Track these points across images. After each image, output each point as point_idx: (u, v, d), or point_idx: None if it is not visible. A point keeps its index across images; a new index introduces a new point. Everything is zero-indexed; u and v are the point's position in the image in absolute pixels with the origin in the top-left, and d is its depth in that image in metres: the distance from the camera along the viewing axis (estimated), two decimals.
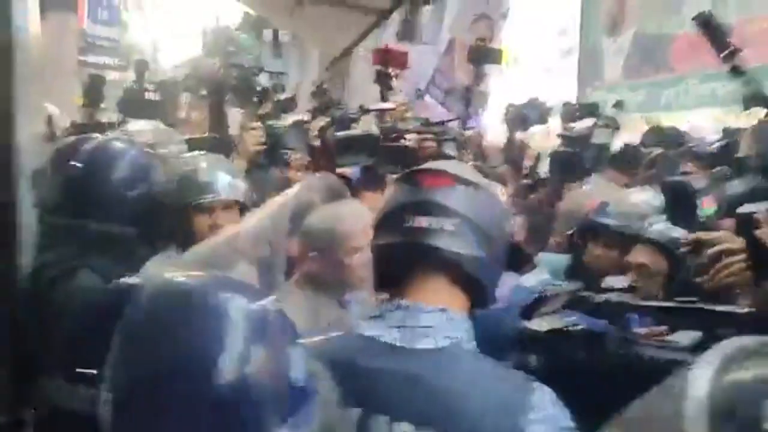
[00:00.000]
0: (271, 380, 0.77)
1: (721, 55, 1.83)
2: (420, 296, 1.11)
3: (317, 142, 2.81)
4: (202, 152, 2.11)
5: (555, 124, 4.39)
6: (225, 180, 1.93)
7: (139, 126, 2.41)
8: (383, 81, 3.23)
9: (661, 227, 1.69)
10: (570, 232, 2.22)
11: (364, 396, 1.05)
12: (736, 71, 1.85)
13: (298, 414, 0.79)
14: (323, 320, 1.76)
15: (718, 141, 2.59)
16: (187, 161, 2.00)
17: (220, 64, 2.97)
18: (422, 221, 1.09)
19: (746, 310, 1.20)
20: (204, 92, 2.98)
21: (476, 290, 1.13)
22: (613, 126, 3.19)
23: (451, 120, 4.04)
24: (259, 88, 3.03)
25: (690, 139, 3.17)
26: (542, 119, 3.69)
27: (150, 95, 3.63)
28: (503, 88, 9.95)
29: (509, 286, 1.90)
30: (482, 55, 3.87)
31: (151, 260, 1.47)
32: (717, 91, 5.63)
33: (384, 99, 3.22)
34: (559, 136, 3.39)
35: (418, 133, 3.05)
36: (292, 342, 0.83)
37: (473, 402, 1.02)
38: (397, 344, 1.08)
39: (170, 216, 1.72)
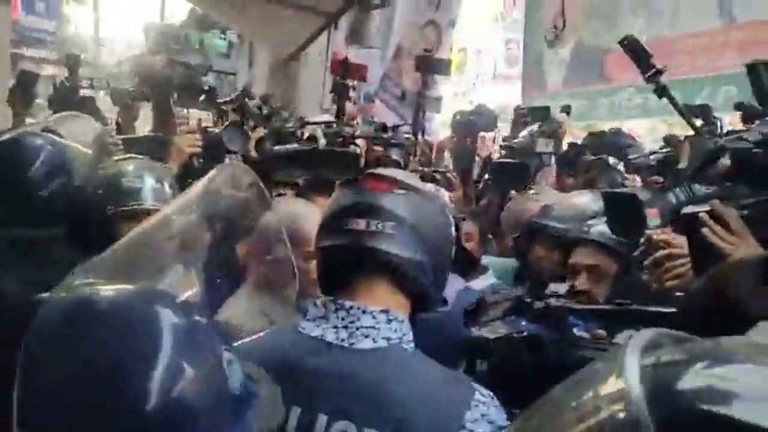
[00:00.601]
0: (206, 395, 0.72)
1: (646, 76, 1.93)
2: (363, 298, 1.13)
3: (254, 153, 2.78)
4: (138, 155, 1.95)
5: (504, 130, 4.50)
6: (150, 185, 1.79)
7: (63, 121, 2.25)
8: (341, 92, 3.22)
9: (602, 228, 1.70)
10: (515, 236, 2.27)
11: (305, 395, 1.06)
12: (660, 91, 1.96)
13: (239, 423, 0.75)
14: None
15: (659, 151, 2.70)
16: (113, 164, 1.85)
17: (164, 62, 2.90)
18: (362, 223, 1.12)
19: (673, 309, 1.25)
20: (146, 90, 2.89)
21: (418, 294, 1.16)
22: (555, 134, 3.29)
23: (400, 125, 4.07)
24: (205, 88, 2.98)
25: (633, 146, 3.28)
26: (490, 126, 3.74)
27: (85, 92, 3.44)
28: (449, 94, 10.15)
29: (456, 289, 1.93)
30: (429, 65, 3.88)
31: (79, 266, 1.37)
32: (650, 101, 5.90)
33: (341, 110, 3.21)
34: (501, 147, 3.46)
35: (366, 138, 3.07)
36: (224, 351, 0.78)
37: (411, 402, 1.04)
38: (338, 343, 1.10)
39: (94, 221, 1.62)
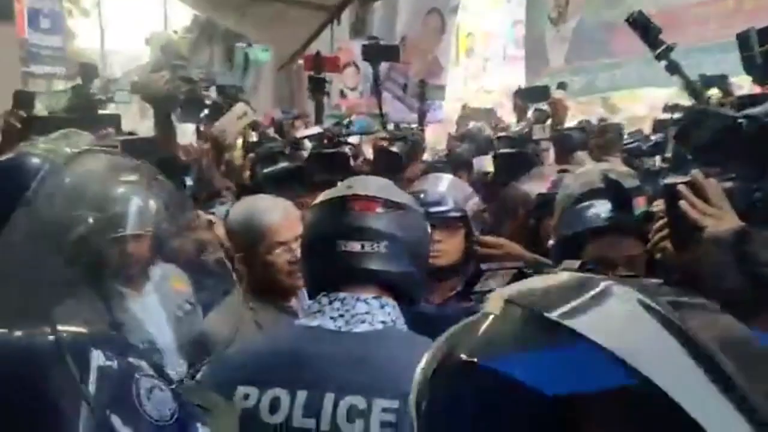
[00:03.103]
0: None
1: (656, 53, 1.88)
2: (355, 293, 1.19)
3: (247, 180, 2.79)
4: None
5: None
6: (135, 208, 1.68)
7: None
8: (317, 87, 3.21)
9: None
10: (528, 211, 2.21)
11: (308, 379, 1.12)
12: (672, 68, 1.90)
13: None
14: (266, 330, 1.71)
15: (653, 137, 2.66)
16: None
17: (167, 78, 2.90)
18: (357, 246, 1.18)
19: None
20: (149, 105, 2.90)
21: (405, 298, 1.24)
22: (555, 113, 3.25)
23: (400, 123, 4.04)
24: (209, 102, 2.98)
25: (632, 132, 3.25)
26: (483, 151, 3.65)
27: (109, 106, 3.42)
28: (459, 78, 10.07)
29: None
30: (378, 53, 3.61)
31: None
32: (658, 73, 5.78)
33: (319, 105, 3.20)
34: (499, 138, 3.43)
35: (361, 135, 3.04)
36: (143, 379, 0.66)
37: (409, 365, 1.06)
38: (337, 329, 1.16)
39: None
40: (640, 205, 1.44)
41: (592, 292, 0.53)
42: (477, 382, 0.53)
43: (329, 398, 1.09)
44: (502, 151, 3.05)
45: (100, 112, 2.95)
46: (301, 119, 4.38)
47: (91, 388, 0.59)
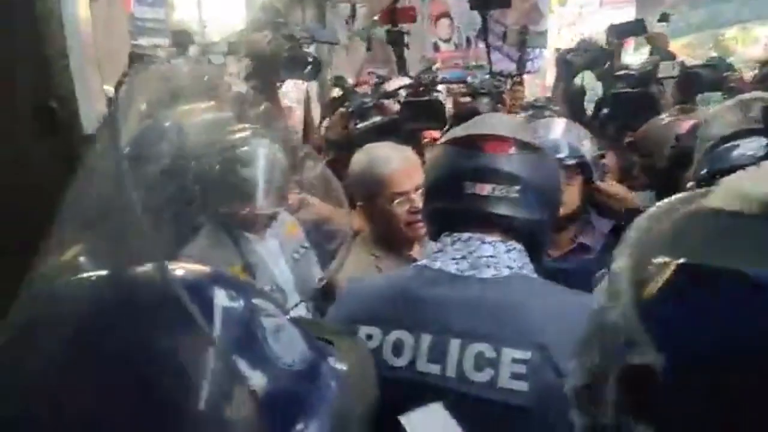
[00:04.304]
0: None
1: None
2: (478, 234, 1.14)
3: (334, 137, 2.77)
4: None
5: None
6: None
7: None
8: (396, 40, 3.13)
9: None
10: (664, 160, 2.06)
11: (432, 322, 1.08)
12: None
13: (306, 394, 0.58)
14: None
15: None
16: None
17: (269, 38, 2.91)
18: (486, 188, 1.11)
19: None
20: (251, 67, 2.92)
21: (529, 246, 1.16)
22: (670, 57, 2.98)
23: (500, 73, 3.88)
24: (310, 59, 2.98)
25: None
26: (595, 63, 3.44)
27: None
28: (553, 27, 9.60)
29: (604, 231, 1.84)
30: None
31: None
32: None
33: (400, 57, 3.12)
34: (616, 76, 3.15)
35: (448, 87, 2.95)
36: (268, 318, 0.60)
37: (549, 325, 1.02)
38: (459, 274, 1.10)
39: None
40: None
41: None
42: None
43: (455, 344, 1.05)
44: (621, 90, 2.83)
45: None
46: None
47: (216, 329, 0.53)
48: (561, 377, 0.92)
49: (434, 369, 1.06)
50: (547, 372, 0.99)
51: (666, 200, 0.57)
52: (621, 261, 0.53)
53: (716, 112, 1.64)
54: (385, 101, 3.05)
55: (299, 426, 0.54)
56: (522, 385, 1.00)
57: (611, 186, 1.98)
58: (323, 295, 1.69)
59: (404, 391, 0.98)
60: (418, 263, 1.19)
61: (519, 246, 1.13)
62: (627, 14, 8.36)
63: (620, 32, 3.32)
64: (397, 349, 1.09)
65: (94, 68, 1.77)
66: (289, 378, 0.56)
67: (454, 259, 1.12)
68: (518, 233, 1.14)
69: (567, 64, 3.37)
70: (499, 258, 1.11)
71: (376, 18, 6.07)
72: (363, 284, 1.26)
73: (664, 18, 3.33)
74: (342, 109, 2.99)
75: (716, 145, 1.45)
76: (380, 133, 2.52)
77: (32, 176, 1.36)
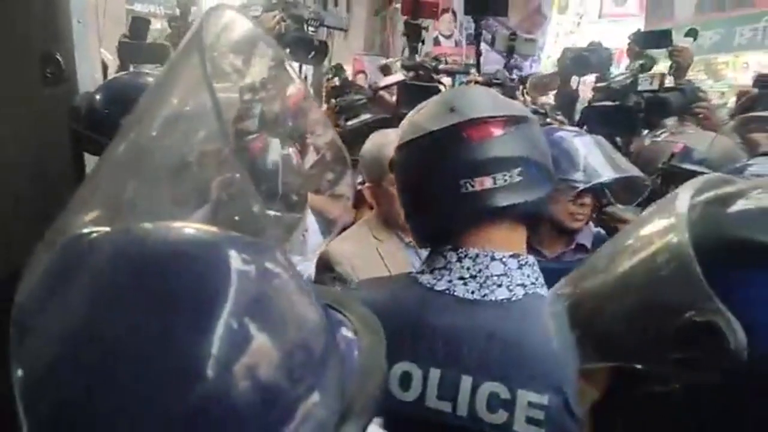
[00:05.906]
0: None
1: None
2: (483, 243, 1.02)
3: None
4: None
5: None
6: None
7: None
8: (414, 33, 3.05)
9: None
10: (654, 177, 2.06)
11: (444, 357, 0.98)
12: None
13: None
14: (388, 262, 1.73)
15: None
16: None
17: (279, 17, 2.83)
18: (487, 181, 0.98)
19: None
20: None
21: (534, 222, 1.09)
22: (678, 65, 2.94)
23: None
24: (316, 43, 2.92)
25: None
26: (604, 65, 3.40)
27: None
28: (551, 34, 9.63)
29: (592, 235, 1.85)
30: (480, 5, 3.33)
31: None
32: None
33: (415, 52, 3.05)
34: (596, 88, 3.05)
35: (454, 77, 2.90)
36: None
37: (560, 349, 0.98)
38: (468, 297, 1.00)
39: None
40: None
41: None
42: None
43: (466, 381, 0.96)
44: (597, 103, 2.74)
45: None
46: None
47: (230, 291, 0.51)
48: (577, 422, 0.88)
49: (445, 407, 0.97)
50: (565, 418, 0.92)
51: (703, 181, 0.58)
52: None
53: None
54: (384, 94, 3.01)
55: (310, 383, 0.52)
56: None
57: (623, 213, 1.96)
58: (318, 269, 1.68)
59: (413, 428, 0.93)
60: (421, 281, 1.05)
61: (531, 259, 1.03)
62: (625, 27, 8.41)
63: (646, 41, 3.14)
64: (404, 382, 0.99)
65: (92, 30, 1.79)
66: (301, 342, 0.54)
67: (462, 278, 1.01)
68: (525, 218, 1.04)
69: (579, 61, 3.35)
70: (511, 276, 1.00)
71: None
72: (366, 304, 1.16)
73: (691, 34, 3.25)
74: (331, 104, 2.92)
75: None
76: (370, 132, 2.49)
77: (39, 120, 1.41)
